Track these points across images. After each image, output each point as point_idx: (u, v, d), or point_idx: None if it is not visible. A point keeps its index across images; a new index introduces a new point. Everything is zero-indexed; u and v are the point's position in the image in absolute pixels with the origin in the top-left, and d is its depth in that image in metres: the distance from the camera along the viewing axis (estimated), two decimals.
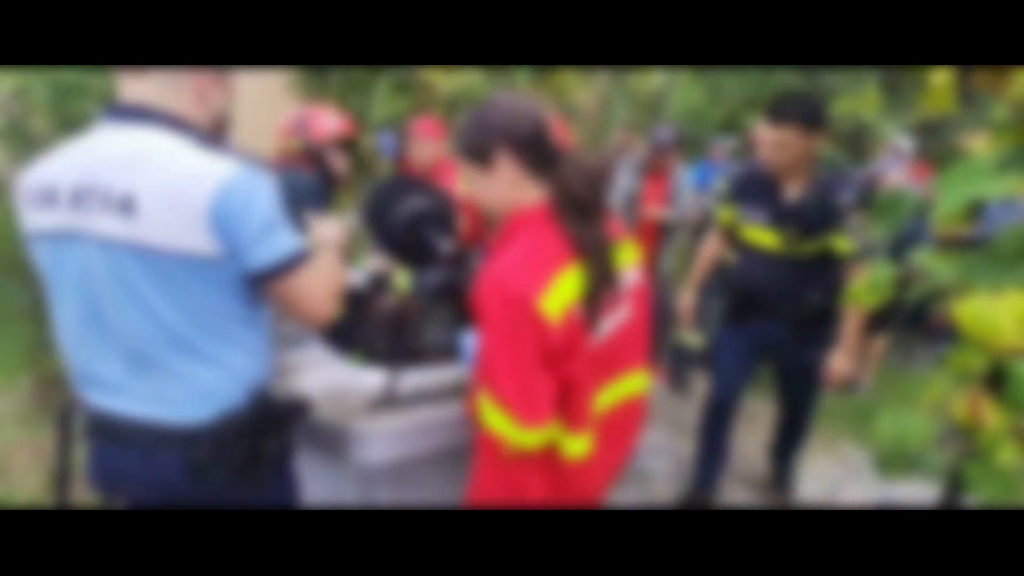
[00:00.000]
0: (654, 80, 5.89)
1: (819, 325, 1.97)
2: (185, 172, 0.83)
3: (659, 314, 3.07)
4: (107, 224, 0.82)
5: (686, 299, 2.22)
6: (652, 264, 2.99)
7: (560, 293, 0.88)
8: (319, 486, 1.91)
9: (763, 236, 1.98)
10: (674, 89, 5.94)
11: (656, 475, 2.59)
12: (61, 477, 1.94)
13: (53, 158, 0.90)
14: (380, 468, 1.38)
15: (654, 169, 2.92)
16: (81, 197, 0.84)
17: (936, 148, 5.19)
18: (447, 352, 1.43)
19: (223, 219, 0.83)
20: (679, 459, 2.70)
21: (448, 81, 3.61)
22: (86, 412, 0.93)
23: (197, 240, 0.82)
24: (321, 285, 0.95)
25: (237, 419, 0.88)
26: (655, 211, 2.88)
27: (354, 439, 1.32)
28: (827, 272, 1.92)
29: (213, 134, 0.97)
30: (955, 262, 1.29)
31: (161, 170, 0.83)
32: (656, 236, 2.94)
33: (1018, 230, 1.28)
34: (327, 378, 2.12)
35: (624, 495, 2.43)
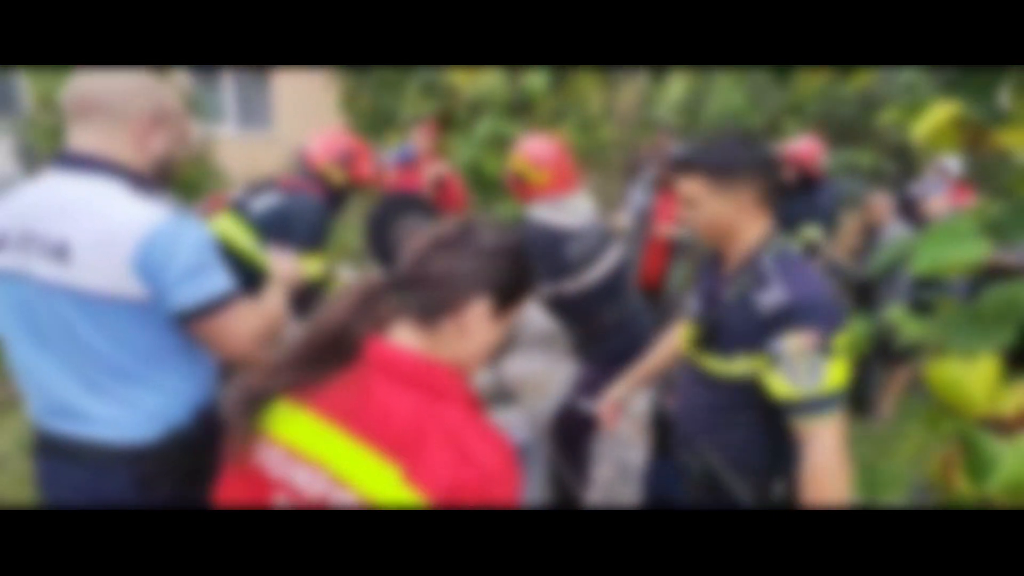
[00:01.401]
0: (692, 82, 5.75)
1: (718, 495, 1.22)
2: (114, 219, 0.89)
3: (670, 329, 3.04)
4: (44, 269, 0.89)
5: (615, 394, 1.51)
6: (662, 281, 2.97)
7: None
8: None
9: (684, 332, 1.33)
10: (713, 92, 5.79)
11: None
12: None
13: (8, 200, 0.96)
14: None
15: (668, 185, 2.89)
16: (25, 242, 0.91)
17: (994, 168, 4.87)
18: None
19: (148, 264, 0.88)
20: None
21: (471, 83, 3.66)
22: (39, 436, 0.99)
23: (126, 284, 0.88)
24: (244, 328, 0.98)
25: (181, 437, 0.97)
26: (667, 228, 2.86)
27: None
28: (747, 415, 1.18)
29: (156, 177, 1.02)
30: (931, 322, 1.25)
31: (93, 218, 0.89)
32: (667, 253, 2.91)
33: (1003, 293, 1.23)
34: None
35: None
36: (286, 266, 1.32)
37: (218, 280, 0.95)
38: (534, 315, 3.22)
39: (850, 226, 3.22)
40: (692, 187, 1.19)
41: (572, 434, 1.92)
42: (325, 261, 1.86)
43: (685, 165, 1.20)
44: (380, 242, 2.37)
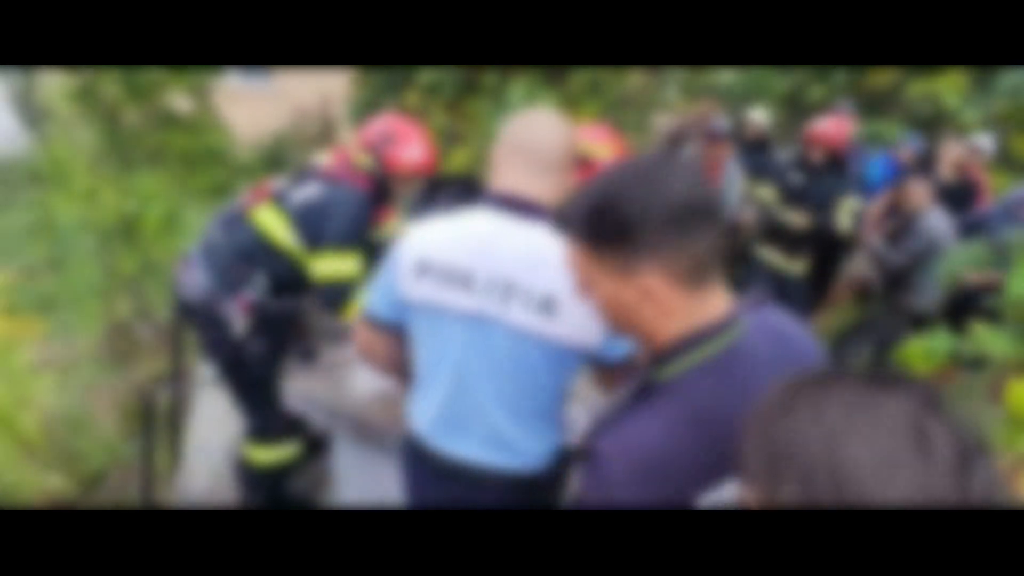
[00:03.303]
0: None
1: None
2: None
3: None
4: (523, 317, 0.95)
5: None
6: None
7: None
8: (360, 481, 2.04)
9: None
10: None
11: None
12: (147, 475, 2.09)
13: (445, 235, 1.01)
14: None
15: (709, 160, 2.83)
16: (498, 288, 0.96)
17: None
18: None
19: None
20: None
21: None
22: (434, 455, 1.06)
23: (596, 336, 0.96)
24: None
25: (550, 470, 1.06)
26: None
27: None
28: None
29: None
30: (1017, 341, 1.25)
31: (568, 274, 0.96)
32: None
33: None
34: (377, 383, 2.21)
35: None
36: None
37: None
38: None
39: (880, 204, 3.18)
40: (575, 257, 0.72)
41: None
42: (359, 259, 1.70)
43: (561, 221, 0.78)
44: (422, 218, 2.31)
